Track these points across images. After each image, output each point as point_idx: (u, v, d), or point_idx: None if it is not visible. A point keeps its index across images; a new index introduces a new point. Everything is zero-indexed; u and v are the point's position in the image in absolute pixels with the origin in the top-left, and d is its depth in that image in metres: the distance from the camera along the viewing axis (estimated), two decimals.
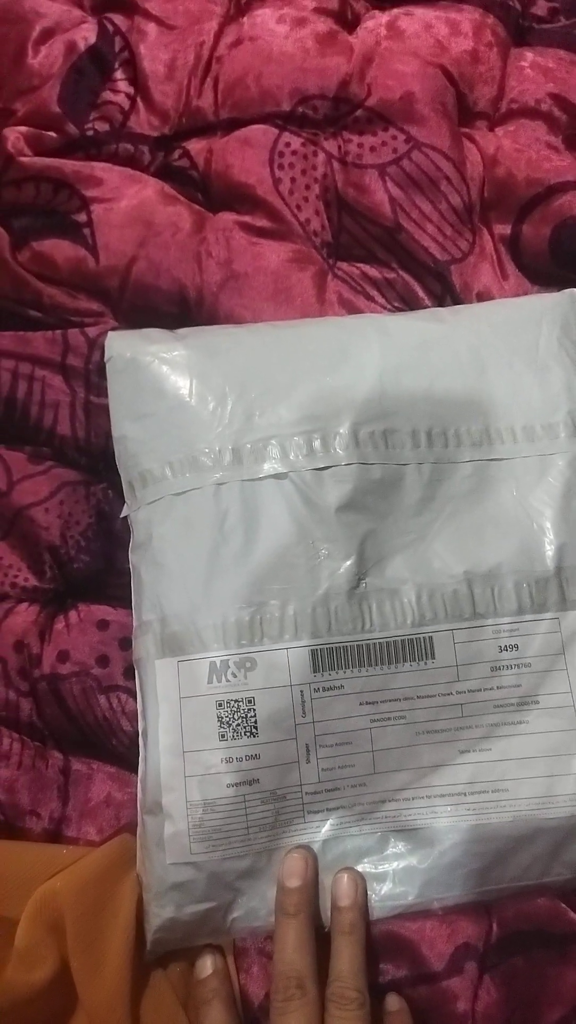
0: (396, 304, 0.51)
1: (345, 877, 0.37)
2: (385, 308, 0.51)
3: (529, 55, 0.56)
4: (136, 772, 0.40)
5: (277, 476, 0.41)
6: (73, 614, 0.45)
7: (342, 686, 0.38)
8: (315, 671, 0.38)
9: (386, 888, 0.38)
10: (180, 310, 0.50)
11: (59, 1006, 0.37)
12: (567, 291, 0.48)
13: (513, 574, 0.40)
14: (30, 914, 0.37)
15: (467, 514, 0.42)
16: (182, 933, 0.37)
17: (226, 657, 0.38)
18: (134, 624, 0.41)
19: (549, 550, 0.41)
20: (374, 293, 0.51)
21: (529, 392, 0.44)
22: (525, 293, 0.51)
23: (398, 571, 0.41)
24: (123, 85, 0.54)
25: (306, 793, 0.38)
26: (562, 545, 0.41)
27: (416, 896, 0.38)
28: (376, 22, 0.55)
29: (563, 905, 0.40)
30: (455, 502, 0.42)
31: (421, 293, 0.51)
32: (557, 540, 0.41)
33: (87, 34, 0.55)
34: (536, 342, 0.45)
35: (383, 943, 0.39)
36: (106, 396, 0.46)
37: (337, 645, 0.39)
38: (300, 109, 0.53)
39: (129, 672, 0.43)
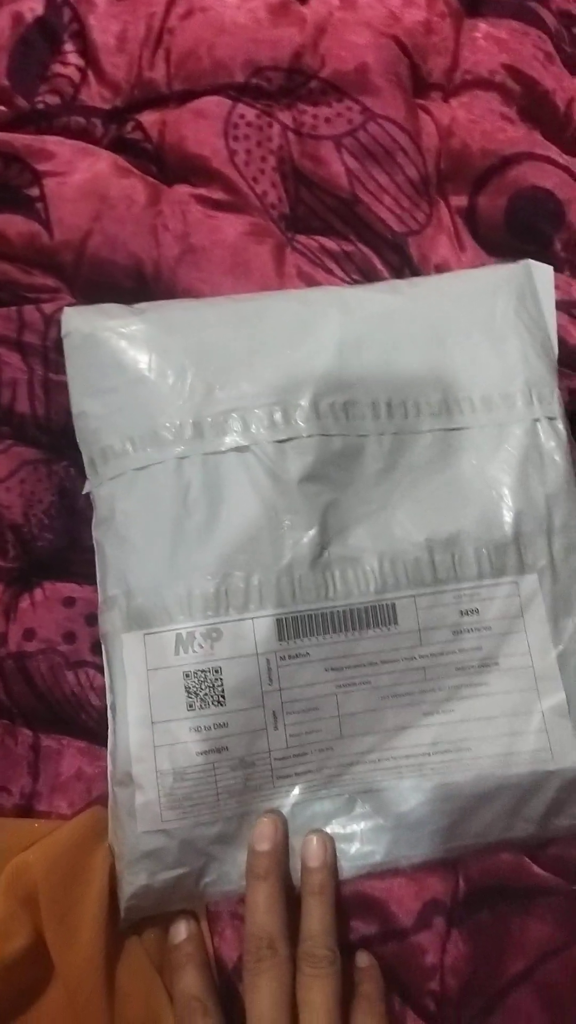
0: (355, 277, 0.51)
1: (315, 839, 0.38)
2: (344, 281, 0.51)
3: (482, 26, 0.56)
4: (106, 746, 0.40)
5: (239, 449, 0.41)
6: (38, 592, 0.45)
7: (308, 653, 0.39)
8: (281, 639, 0.39)
9: (355, 848, 0.39)
10: (137, 284, 0.50)
11: (33, 977, 0.38)
12: (522, 262, 0.49)
13: (473, 541, 0.41)
14: (2, 887, 0.37)
15: (427, 483, 0.43)
16: (155, 899, 0.38)
17: (192, 628, 0.39)
18: (99, 599, 0.42)
19: (507, 517, 0.42)
20: (332, 266, 0.51)
21: (487, 362, 0.45)
22: (482, 264, 0.52)
23: (360, 540, 0.41)
24: (73, 57, 0.53)
25: (275, 759, 0.38)
26: (519, 512, 0.42)
27: (384, 855, 0.39)
28: None
29: (526, 859, 0.41)
30: (416, 472, 0.43)
31: (379, 265, 0.52)
32: (515, 507, 0.42)
33: (34, 5, 0.54)
34: (493, 313, 0.46)
35: (353, 902, 0.40)
36: (64, 373, 0.45)
37: (302, 613, 0.39)
38: (254, 80, 0.52)
39: (96, 648, 0.43)
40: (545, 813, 0.40)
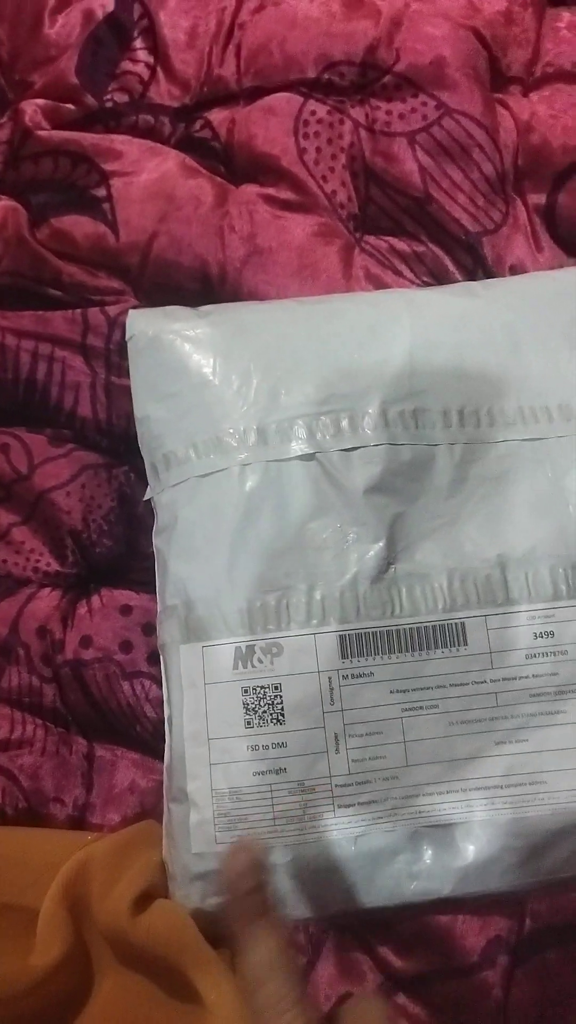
0: (425, 279, 0.49)
1: None
2: (414, 283, 0.49)
3: (566, 15, 0.54)
4: (161, 759, 0.39)
5: (304, 457, 0.40)
6: (96, 599, 0.44)
7: (372, 673, 0.37)
8: (343, 657, 0.37)
9: (419, 885, 0.37)
10: (202, 287, 0.49)
11: (72, 987, 0.37)
12: None
13: (548, 558, 0.39)
14: (53, 894, 0.37)
15: (500, 496, 0.41)
16: (205, 923, 0.37)
17: (252, 642, 0.38)
18: (158, 609, 0.41)
19: None
20: (402, 267, 0.50)
21: (565, 369, 0.42)
22: (560, 266, 0.50)
23: (429, 555, 0.39)
24: (142, 54, 0.53)
25: (336, 785, 0.37)
26: None
27: (450, 892, 0.37)
28: None
29: None
30: (488, 484, 0.41)
31: (451, 267, 0.50)
32: None
33: (105, 1, 0.53)
34: (573, 317, 0.43)
35: (415, 936, 0.38)
36: (127, 376, 0.45)
37: (366, 630, 0.38)
38: (326, 76, 0.51)
39: (153, 658, 0.42)
40: None
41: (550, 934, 0.38)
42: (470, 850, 0.36)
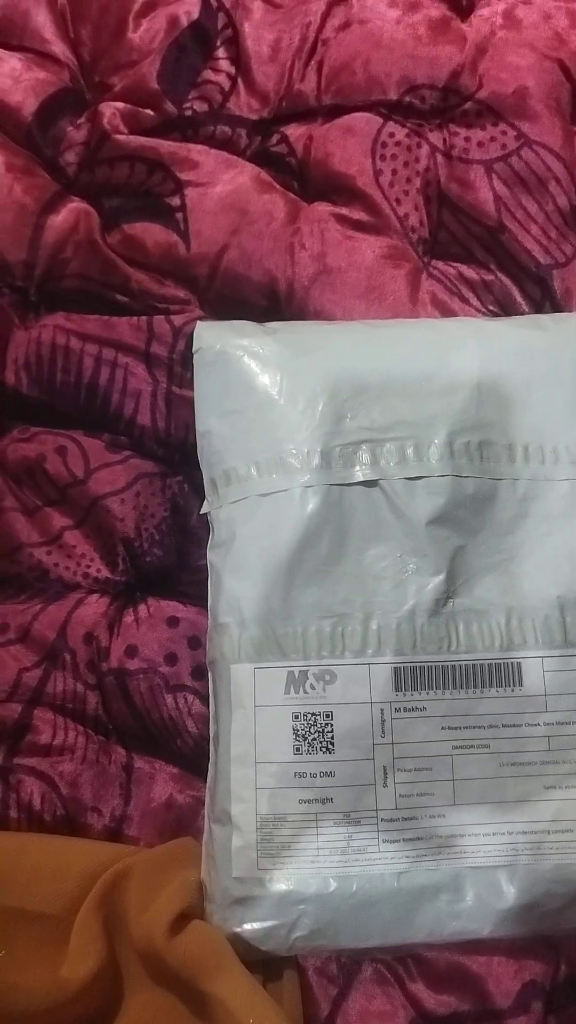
0: (491, 308, 0.50)
1: None
2: (480, 311, 0.49)
3: None
4: (199, 775, 0.40)
5: (367, 483, 0.40)
6: (143, 608, 0.45)
7: (424, 708, 0.38)
8: (397, 690, 0.38)
9: (459, 924, 0.37)
10: (269, 303, 0.49)
11: (104, 1001, 0.37)
12: None
13: None
14: (89, 906, 0.37)
15: (562, 535, 0.41)
16: (243, 947, 0.37)
17: (305, 668, 0.38)
18: (209, 625, 0.41)
19: None
20: (469, 295, 0.50)
21: None
22: None
23: (488, 591, 0.40)
24: (224, 64, 0.53)
25: (382, 820, 0.37)
26: None
27: (489, 933, 0.37)
28: (492, 10, 0.53)
29: None
30: (550, 522, 0.41)
31: (519, 298, 0.50)
32: None
33: (190, 8, 0.54)
34: None
35: (449, 975, 0.38)
36: (188, 387, 0.45)
37: (421, 664, 0.38)
38: (407, 98, 0.51)
39: (197, 672, 0.43)
40: None
41: None
42: (512, 893, 0.37)
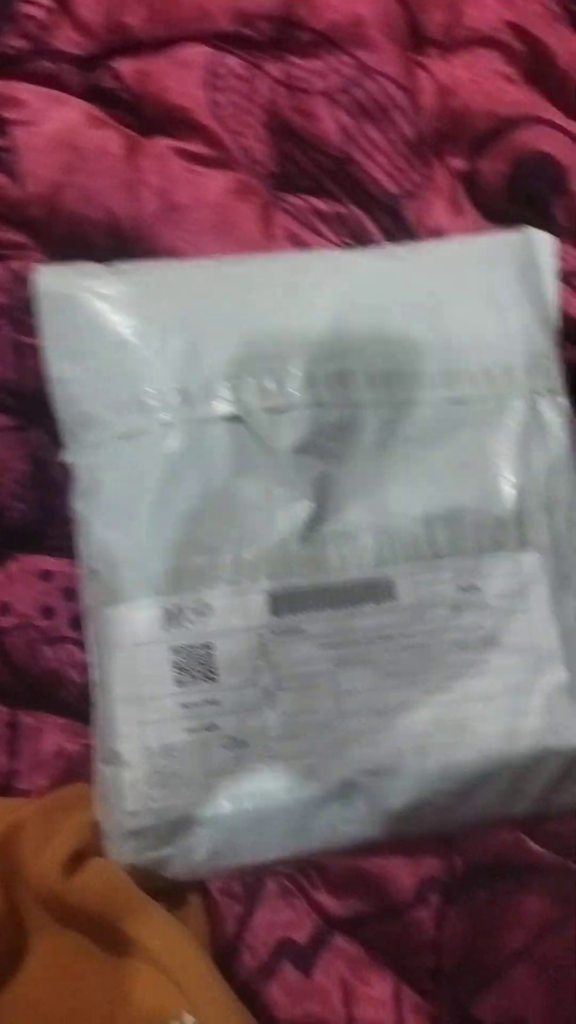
0: (346, 240, 0.56)
1: None
2: (334, 244, 0.56)
3: None
4: (88, 723, 0.45)
5: (229, 418, 0.46)
6: (12, 565, 0.49)
7: (302, 629, 0.44)
8: (274, 615, 0.44)
9: (352, 829, 0.44)
10: (114, 243, 0.54)
11: (2, 950, 0.42)
12: (523, 230, 0.54)
13: (472, 516, 0.47)
14: None
15: (425, 457, 0.48)
16: (144, 877, 0.42)
17: (180, 602, 0.44)
18: (82, 573, 0.46)
19: (508, 492, 0.47)
20: (322, 227, 0.57)
21: (487, 333, 0.50)
22: (481, 230, 0.57)
23: (356, 515, 0.46)
24: None
25: (269, 739, 0.43)
26: (520, 487, 0.47)
27: (383, 835, 0.44)
28: None
29: (524, 837, 0.47)
30: (413, 445, 0.48)
31: (372, 228, 0.57)
32: (516, 482, 0.47)
33: None
34: (493, 282, 0.51)
35: (349, 879, 0.45)
36: (36, 335, 0.49)
37: (296, 588, 0.44)
38: (241, 29, 0.58)
39: (76, 623, 0.47)
40: (545, 790, 0.45)
41: (478, 872, 0.46)
42: (401, 795, 0.44)
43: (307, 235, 0.57)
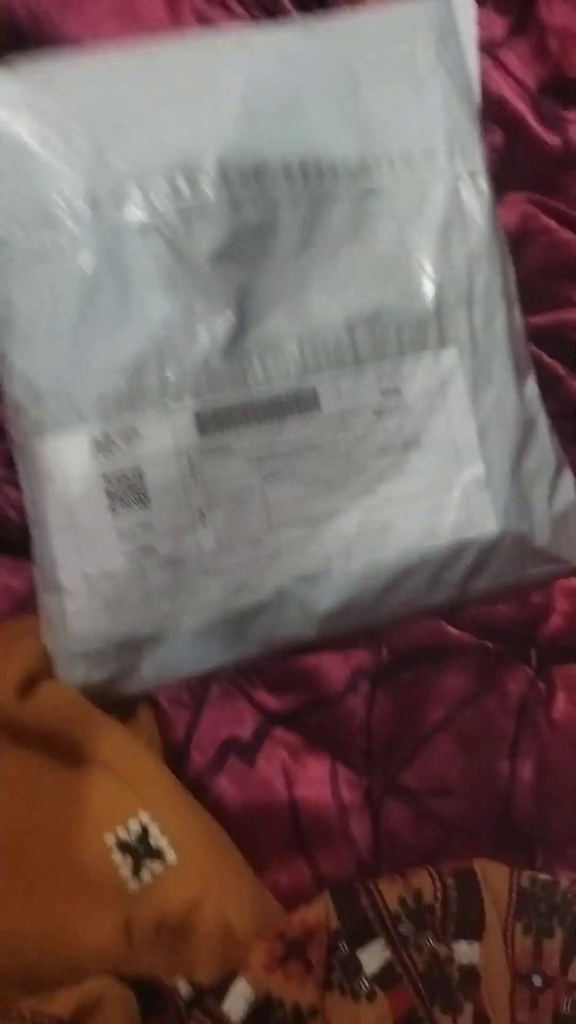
0: (256, 13, 0.52)
1: None
2: (245, 19, 0.52)
3: None
4: (31, 559, 0.47)
5: (141, 226, 0.44)
6: None
7: (230, 446, 0.45)
8: (201, 434, 0.45)
9: (287, 632, 0.47)
10: (8, 37, 0.50)
11: None
12: None
13: (394, 316, 0.47)
14: None
15: (346, 256, 0.47)
16: (95, 695, 0.46)
17: (108, 429, 0.44)
18: (7, 408, 0.46)
19: (428, 288, 0.47)
20: (232, 3, 0.52)
21: (406, 113, 0.48)
22: None
23: (278, 323, 0.46)
24: None
25: (204, 555, 0.45)
26: (440, 282, 0.47)
27: (316, 634, 0.47)
28: None
29: (443, 623, 0.51)
30: (333, 243, 0.47)
31: (286, 1, 0.53)
32: (436, 277, 0.47)
33: None
34: (413, 55, 0.48)
35: (286, 677, 0.49)
36: None
37: (221, 406, 0.45)
38: None
39: (9, 462, 0.48)
40: (462, 580, 0.48)
41: (403, 658, 0.50)
42: (330, 596, 0.47)
43: (216, 11, 0.52)
